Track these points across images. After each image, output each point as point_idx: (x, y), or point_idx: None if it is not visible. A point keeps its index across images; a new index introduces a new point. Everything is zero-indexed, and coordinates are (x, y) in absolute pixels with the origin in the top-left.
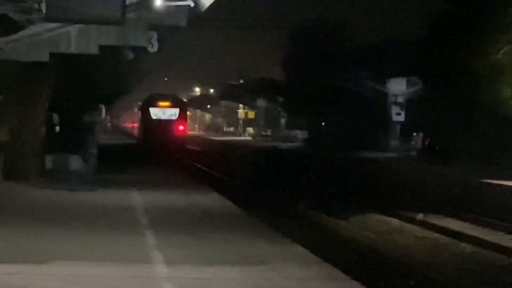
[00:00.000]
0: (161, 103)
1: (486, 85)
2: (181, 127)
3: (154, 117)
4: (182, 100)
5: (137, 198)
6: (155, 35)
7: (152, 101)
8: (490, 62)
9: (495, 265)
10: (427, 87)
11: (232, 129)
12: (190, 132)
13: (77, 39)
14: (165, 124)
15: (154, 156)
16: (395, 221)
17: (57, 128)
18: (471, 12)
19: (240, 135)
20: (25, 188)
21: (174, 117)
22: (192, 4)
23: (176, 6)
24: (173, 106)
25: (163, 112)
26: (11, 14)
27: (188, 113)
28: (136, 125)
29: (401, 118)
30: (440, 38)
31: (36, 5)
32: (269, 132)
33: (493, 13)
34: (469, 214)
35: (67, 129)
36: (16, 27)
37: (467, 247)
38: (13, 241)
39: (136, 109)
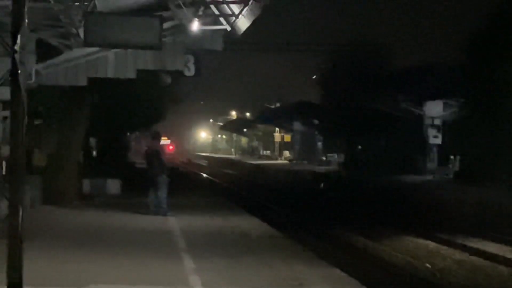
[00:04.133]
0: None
1: None
2: (170, 147)
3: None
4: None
5: (174, 221)
6: (191, 59)
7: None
8: None
9: None
10: (464, 109)
11: (268, 152)
12: (226, 156)
13: (114, 64)
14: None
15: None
16: (432, 244)
17: (94, 152)
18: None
19: (276, 159)
20: (62, 212)
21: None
22: (228, 28)
23: (213, 30)
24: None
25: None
26: (49, 39)
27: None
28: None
29: (438, 141)
30: (478, 59)
31: (74, 30)
32: (305, 156)
33: None
34: (507, 237)
35: (105, 153)
36: (54, 52)
37: (505, 270)
38: (50, 265)
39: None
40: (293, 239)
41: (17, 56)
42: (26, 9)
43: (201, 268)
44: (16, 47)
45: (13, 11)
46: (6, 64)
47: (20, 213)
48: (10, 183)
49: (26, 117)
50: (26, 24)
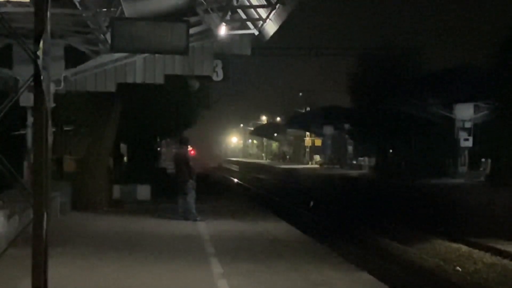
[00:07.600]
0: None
1: None
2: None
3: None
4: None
5: (203, 226)
6: (219, 64)
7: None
8: None
9: None
10: (495, 112)
11: (299, 156)
12: (257, 161)
13: (143, 69)
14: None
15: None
16: (463, 248)
17: (125, 158)
18: None
19: (307, 163)
20: (92, 218)
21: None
22: (256, 33)
23: (240, 35)
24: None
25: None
26: (77, 46)
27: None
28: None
29: (469, 143)
30: (510, 61)
31: (101, 36)
32: (336, 160)
33: None
34: None
35: (135, 159)
36: (83, 58)
37: None
38: (79, 271)
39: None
40: (323, 244)
41: (39, 61)
42: (48, 15)
43: (229, 272)
44: (38, 53)
45: (35, 16)
46: (31, 70)
47: (45, 219)
48: (34, 188)
49: (50, 123)
50: (48, 30)
